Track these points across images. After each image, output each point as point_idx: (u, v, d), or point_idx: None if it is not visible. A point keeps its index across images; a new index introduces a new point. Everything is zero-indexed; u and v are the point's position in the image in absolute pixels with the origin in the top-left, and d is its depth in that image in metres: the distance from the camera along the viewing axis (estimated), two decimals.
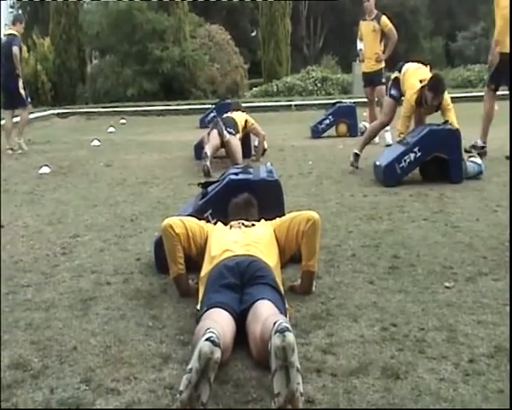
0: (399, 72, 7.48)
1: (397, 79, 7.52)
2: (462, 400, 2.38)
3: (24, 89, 10.70)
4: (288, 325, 2.38)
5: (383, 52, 10.23)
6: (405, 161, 6.57)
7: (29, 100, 11.13)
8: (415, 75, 7.32)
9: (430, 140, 6.55)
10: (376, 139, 10.27)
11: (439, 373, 2.57)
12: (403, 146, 6.74)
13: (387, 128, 10.10)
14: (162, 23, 24.75)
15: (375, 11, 10.22)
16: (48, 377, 2.63)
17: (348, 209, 5.60)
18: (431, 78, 7.03)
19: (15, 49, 10.41)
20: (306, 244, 3.53)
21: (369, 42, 10.30)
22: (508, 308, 3.23)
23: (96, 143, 11.74)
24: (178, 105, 21.18)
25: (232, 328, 2.79)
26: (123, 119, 17.47)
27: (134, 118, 18.50)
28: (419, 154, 6.51)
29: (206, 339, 2.32)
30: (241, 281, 3.07)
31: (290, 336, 2.32)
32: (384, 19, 10.13)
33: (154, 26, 24.45)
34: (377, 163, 6.94)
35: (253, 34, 38.35)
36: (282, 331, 2.32)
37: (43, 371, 2.69)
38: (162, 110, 20.24)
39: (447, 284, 3.61)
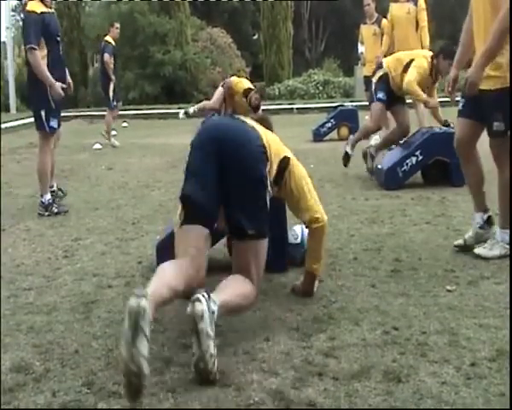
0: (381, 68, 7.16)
1: (384, 77, 7.06)
2: (463, 403, 2.37)
3: (114, 92, 12.15)
4: (201, 295, 2.57)
5: (384, 55, 10.24)
6: (407, 164, 6.58)
7: (115, 103, 12.34)
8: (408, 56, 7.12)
9: (432, 144, 6.55)
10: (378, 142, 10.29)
11: (441, 377, 2.57)
12: (404, 149, 6.74)
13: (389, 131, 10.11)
14: (164, 26, 24.80)
15: (376, 15, 10.25)
16: (49, 381, 2.63)
17: (350, 213, 5.60)
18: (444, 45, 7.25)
19: (106, 57, 12.03)
20: (312, 247, 3.53)
21: (370, 45, 10.32)
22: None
23: (97, 146, 11.76)
24: (180, 108, 21.16)
25: (203, 246, 2.99)
26: (125, 122, 17.48)
27: (136, 121, 18.52)
28: (421, 157, 6.52)
29: (134, 295, 2.45)
30: (222, 161, 2.98)
31: (198, 306, 2.54)
32: (385, 22, 10.13)
33: (155, 30, 24.51)
34: (379, 166, 6.95)
35: (255, 37, 38.36)
36: (193, 301, 2.56)
37: (44, 375, 2.69)
38: (164, 113, 20.24)
39: (449, 288, 3.61)
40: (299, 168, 3.51)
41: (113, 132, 14.42)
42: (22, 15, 5.97)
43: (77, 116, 20.30)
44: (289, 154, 3.49)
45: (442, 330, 3.03)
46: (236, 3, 35.78)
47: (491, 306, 3.32)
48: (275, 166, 3.27)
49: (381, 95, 7.07)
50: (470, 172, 4.30)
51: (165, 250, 3.94)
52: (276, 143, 3.39)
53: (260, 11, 28.16)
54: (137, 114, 20.19)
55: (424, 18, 9.17)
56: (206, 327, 2.52)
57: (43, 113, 5.92)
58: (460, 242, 4.31)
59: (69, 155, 10.80)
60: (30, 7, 5.87)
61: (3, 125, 14.84)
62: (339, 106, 12.37)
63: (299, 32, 34.89)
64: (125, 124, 17.24)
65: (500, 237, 4.17)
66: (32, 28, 5.80)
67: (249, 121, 3.28)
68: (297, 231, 4.15)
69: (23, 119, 17.66)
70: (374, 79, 7.24)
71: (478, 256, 4.16)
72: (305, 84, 25.06)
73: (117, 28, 12.59)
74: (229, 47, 27.81)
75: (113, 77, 12.10)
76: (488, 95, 3.96)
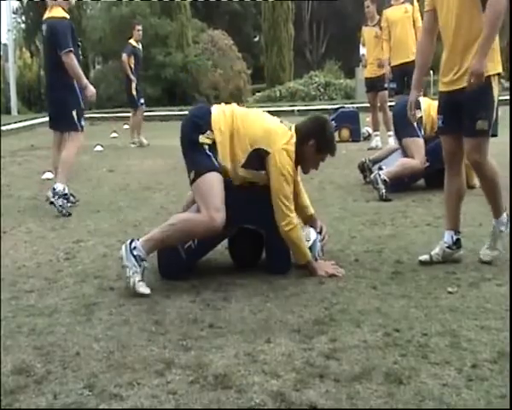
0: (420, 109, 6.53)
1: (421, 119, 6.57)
2: (465, 405, 2.37)
3: (137, 91, 12.55)
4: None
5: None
6: None
7: (141, 101, 12.68)
8: None
9: (438, 151, 6.50)
10: (379, 144, 10.30)
11: (442, 378, 2.57)
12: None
13: (390, 133, 10.11)
14: (165, 28, 24.82)
15: (377, 17, 10.25)
16: (51, 383, 2.64)
17: (351, 214, 5.60)
18: None
19: (123, 57, 12.41)
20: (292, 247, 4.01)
21: (372, 47, 10.32)
22: None
23: (99, 148, 11.76)
24: (181, 110, 21.18)
25: None
26: (126, 124, 17.48)
27: None
28: (426, 164, 6.46)
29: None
30: None
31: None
32: None
33: (156, 32, 24.51)
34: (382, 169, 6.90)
35: (256, 39, 38.41)
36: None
37: (46, 377, 2.69)
38: (165, 115, 20.24)
39: (450, 290, 3.61)
40: (273, 171, 3.88)
41: (115, 135, 14.46)
42: (48, 22, 6.33)
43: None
44: (271, 149, 3.88)
45: (443, 332, 3.03)
46: (236, 3, 35.81)
47: (492, 307, 3.32)
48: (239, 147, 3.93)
49: (423, 132, 6.60)
50: (453, 188, 4.18)
51: (167, 253, 3.95)
52: (249, 130, 3.95)
53: (261, 13, 28.19)
54: None
55: (419, 18, 9.25)
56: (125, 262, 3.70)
57: (74, 113, 6.28)
58: (426, 257, 4.15)
59: None
60: (58, 13, 6.26)
61: (5, 128, 14.84)
62: (340, 108, 12.37)
63: (300, 34, 34.91)
64: (126, 126, 17.24)
65: (498, 228, 4.15)
66: (67, 33, 6.19)
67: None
68: (310, 235, 4.16)
69: (24, 121, 17.68)
70: (420, 115, 6.46)
71: (480, 258, 4.15)
72: (306, 85, 25.06)
73: (138, 30, 12.76)
74: (230, 49, 27.82)
75: (132, 77, 12.44)
76: (470, 91, 3.80)
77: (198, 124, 3.90)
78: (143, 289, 3.65)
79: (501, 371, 2.62)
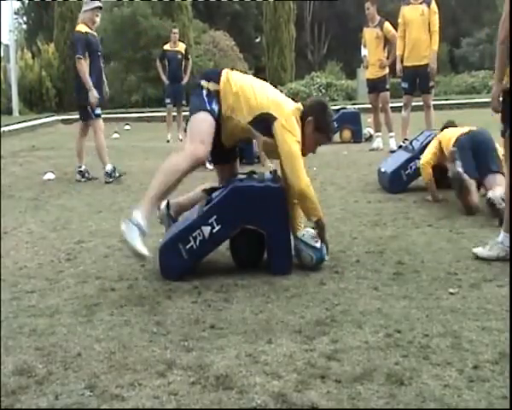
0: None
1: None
2: (466, 406, 2.37)
3: (164, 92, 14.21)
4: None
5: (387, 58, 10.26)
6: (411, 167, 6.54)
7: (167, 101, 13.92)
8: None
9: None
10: (381, 145, 10.30)
11: (444, 379, 2.57)
12: (408, 153, 6.71)
13: (392, 134, 10.12)
14: (166, 29, 24.78)
15: (378, 18, 10.26)
16: (52, 384, 2.64)
17: (352, 215, 5.60)
18: None
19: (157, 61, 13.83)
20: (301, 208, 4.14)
21: (373, 48, 10.33)
22: None
23: None
24: (183, 111, 21.16)
25: None
26: (127, 125, 17.52)
27: (138, 124, 18.55)
28: None
29: None
30: None
31: None
32: (387, 25, 10.16)
33: (158, 32, 24.54)
34: (382, 170, 6.91)
35: (258, 40, 38.39)
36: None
37: (47, 378, 2.69)
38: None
39: (451, 291, 3.61)
40: (283, 134, 4.00)
41: (116, 135, 14.48)
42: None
43: (79, 119, 20.28)
44: (279, 114, 4.03)
45: (445, 333, 3.03)
46: (238, 4, 35.79)
47: (493, 308, 3.32)
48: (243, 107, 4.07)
49: None
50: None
51: (168, 253, 3.96)
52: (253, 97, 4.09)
53: (263, 14, 28.18)
54: (140, 117, 20.20)
55: (436, 22, 9.13)
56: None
57: (88, 107, 8.06)
58: None
59: (72, 157, 10.80)
60: (77, 28, 8.07)
61: (6, 128, 14.85)
62: (341, 109, 12.37)
63: (301, 35, 34.85)
64: (127, 127, 17.27)
65: (501, 239, 4.15)
66: (79, 43, 7.89)
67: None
68: (312, 234, 4.17)
69: (25, 122, 17.69)
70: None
71: (480, 258, 4.15)
72: (307, 86, 25.05)
73: (174, 33, 13.78)
74: (231, 50, 27.85)
75: (163, 78, 13.75)
76: None
77: (207, 75, 4.27)
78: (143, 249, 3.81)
79: (502, 372, 2.61)
